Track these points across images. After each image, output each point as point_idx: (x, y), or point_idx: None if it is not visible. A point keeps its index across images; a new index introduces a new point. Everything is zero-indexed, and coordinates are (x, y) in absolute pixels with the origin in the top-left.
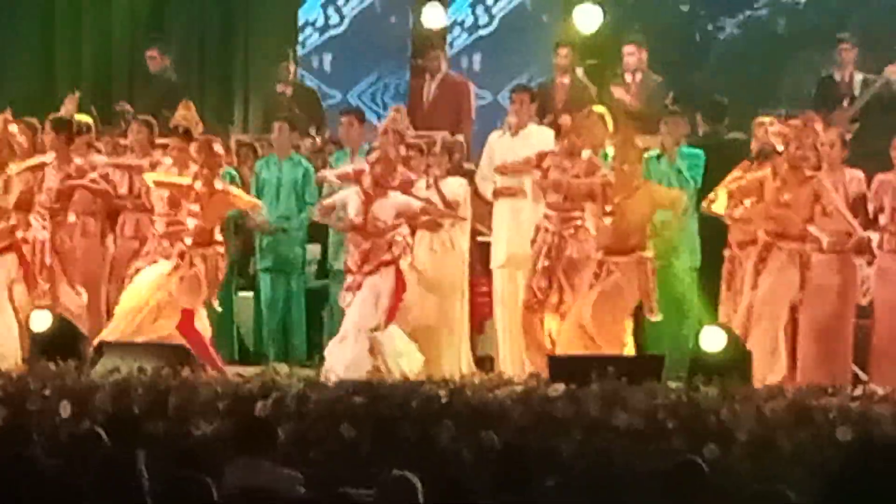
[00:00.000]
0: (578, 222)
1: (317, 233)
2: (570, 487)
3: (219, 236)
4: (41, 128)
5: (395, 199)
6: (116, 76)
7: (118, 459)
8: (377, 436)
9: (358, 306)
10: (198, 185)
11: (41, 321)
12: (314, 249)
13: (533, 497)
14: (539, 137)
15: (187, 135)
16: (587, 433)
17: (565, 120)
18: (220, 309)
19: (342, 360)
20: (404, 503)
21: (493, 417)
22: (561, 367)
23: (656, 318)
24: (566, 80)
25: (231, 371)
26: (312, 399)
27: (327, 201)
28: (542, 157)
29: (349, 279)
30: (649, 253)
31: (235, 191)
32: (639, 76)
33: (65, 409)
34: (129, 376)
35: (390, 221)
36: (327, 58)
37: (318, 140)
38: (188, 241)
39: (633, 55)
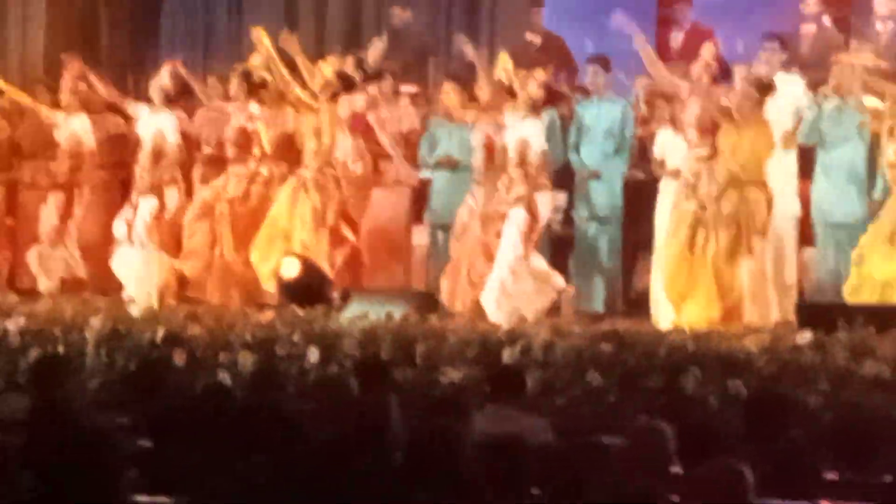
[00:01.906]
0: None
1: (563, 181)
2: (817, 437)
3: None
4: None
5: None
6: (365, 30)
7: (366, 406)
8: (623, 384)
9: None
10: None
11: (291, 268)
12: (560, 197)
13: (779, 446)
14: (788, 87)
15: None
16: (834, 382)
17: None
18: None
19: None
20: (655, 451)
21: (739, 366)
22: (809, 314)
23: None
24: (812, 28)
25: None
26: (559, 347)
27: None
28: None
29: None
30: (760, 192)
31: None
32: (891, 25)
33: (313, 355)
34: (377, 323)
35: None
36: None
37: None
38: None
39: (887, 3)
